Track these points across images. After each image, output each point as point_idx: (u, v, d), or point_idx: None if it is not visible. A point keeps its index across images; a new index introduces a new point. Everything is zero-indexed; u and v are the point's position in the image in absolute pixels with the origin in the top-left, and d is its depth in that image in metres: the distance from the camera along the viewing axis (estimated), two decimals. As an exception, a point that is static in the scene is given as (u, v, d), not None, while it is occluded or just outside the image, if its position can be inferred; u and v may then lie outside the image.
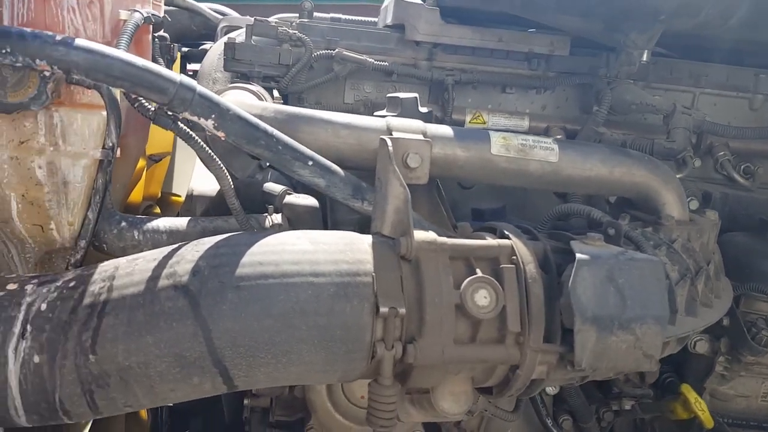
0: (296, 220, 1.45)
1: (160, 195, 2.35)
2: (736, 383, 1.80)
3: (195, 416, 2.66)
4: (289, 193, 1.59)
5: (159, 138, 2.12)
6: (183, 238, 1.31)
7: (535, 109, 2.02)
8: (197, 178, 2.88)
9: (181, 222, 1.45)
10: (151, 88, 1.10)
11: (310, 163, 1.25)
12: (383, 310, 1.07)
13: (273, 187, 1.61)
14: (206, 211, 1.73)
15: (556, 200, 1.92)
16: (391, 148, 1.19)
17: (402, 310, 1.08)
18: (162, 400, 1.10)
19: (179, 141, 2.43)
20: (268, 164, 1.78)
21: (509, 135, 1.43)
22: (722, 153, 1.97)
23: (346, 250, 1.13)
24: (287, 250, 1.10)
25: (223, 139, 1.17)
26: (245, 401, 1.74)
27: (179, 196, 2.59)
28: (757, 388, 1.80)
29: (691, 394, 1.55)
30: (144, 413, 2.20)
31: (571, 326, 1.13)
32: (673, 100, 1.94)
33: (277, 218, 1.54)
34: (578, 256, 1.14)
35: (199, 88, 1.13)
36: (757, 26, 1.68)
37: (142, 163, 1.88)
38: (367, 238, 1.17)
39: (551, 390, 1.73)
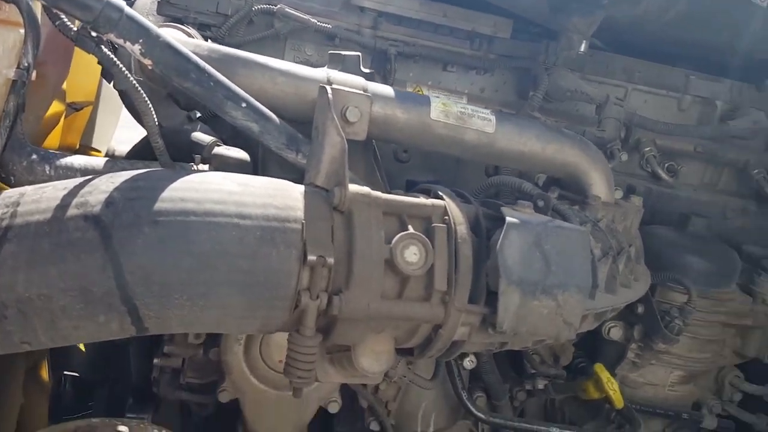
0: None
1: (78, 146, 2.21)
2: (645, 371, 1.85)
3: (100, 386, 2.54)
4: (219, 145, 1.52)
5: (81, 85, 2.00)
6: (99, 178, 1.23)
7: (474, 90, 2.03)
8: (119, 138, 2.75)
9: (97, 161, 1.37)
10: (75, 4, 1.02)
11: (244, 105, 1.20)
12: (311, 258, 1.03)
13: (201, 137, 1.54)
14: (127, 157, 1.64)
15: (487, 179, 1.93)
16: (331, 96, 1.15)
17: (330, 260, 1.04)
18: (63, 339, 1.02)
19: (103, 93, 2.31)
20: (197, 116, 1.71)
21: (449, 102, 1.42)
22: (649, 149, 2.02)
23: (276, 195, 1.08)
24: (212, 189, 1.05)
25: (150, 67, 1.10)
26: (155, 361, 1.66)
27: (99, 151, 2.46)
28: (665, 377, 1.86)
29: (604, 374, 1.59)
30: (45, 374, 2.07)
31: (496, 289, 1.12)
32: (607, 92, 1.99)
33: (204, 169, 1.48)
34: (508, 219, 1.14)
35: (128, 9, 1.06)
36: (692, 24, 1.74)
37: (60, 107, 1.76)
38: (299, 187, 1.13)
39: (468, 365, 1.73)
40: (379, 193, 1.14)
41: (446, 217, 1.16)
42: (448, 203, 1.19)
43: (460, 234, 1.14)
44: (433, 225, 1.15)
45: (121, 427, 1.19)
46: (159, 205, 1.00)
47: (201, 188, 1.04)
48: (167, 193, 1.02)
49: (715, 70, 2.11)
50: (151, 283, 0.99)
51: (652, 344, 1.75)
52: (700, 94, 2.08)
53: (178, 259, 0.99)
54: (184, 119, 1.71)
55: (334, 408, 1.63)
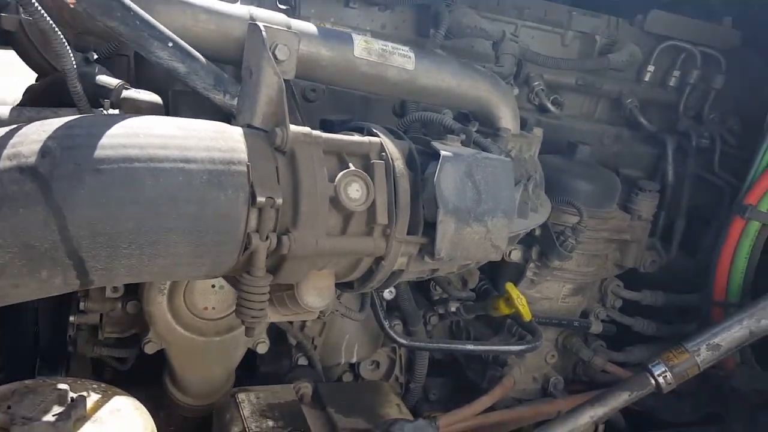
0: (137, 116, 1.33)
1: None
2: (541, 287, 2.03)
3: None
4: (127, 88, 1.45)
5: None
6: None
7: (375, 27, 2.04)
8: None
9: (1, 110, 1.26)
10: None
11: (170, 44, 1.15)
12: (260, 199, 1.04)
13: (108, 80, 1.46)
14: (23, 103, 1.51)
15: (395, 118, 1.98)
16: (264, 34, 1.13)
17: (279, 200, 1.06)
18: (2, 299, 0.96)
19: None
20: (95, 57, 1.60)
21: (370, 39, 1.43)
22: (537, 83, 2.16)
23: (218, 137, 1.06)
24: (153, 133, 1.01)
25: (72, 5, 1.02)
26: (71, 318, 1.60)
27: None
28: (559, 291, 2.05)
29: (514, 291, 1.73)
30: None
31: (433, 219, 1.19)
32: (502, 29, 2.09)
33: (116, 113, 1.41)
34: (443, 153, 1.20)
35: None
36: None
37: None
38: (237, 129, 1.12)
39: (388, 295, 1.82)
40: (319, 132, 1.16)
41: (383, 154, 1.21)
42: (384, 140, 1.23)
43: (398, 169, 1.19)
44: (371, 162, 1.18)
45: (62, 385, 1.15)
46: (100, 153, 0.96)
47: (142, 133, 1.00)
48: (107, 140, 0.97)
49: (591, 6, 2.27)
50: (97, 234, 0.95)
51: (548, 262, 1.93)
52: (582, 30, 2.22)
53: (124, 208, 0.96)
54: (81, 61, 1.59)
55: (263, 348, 1.66)
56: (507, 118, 1.60)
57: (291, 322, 1.74)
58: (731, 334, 1.68)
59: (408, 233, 1.20)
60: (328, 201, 1.12)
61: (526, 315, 1.71)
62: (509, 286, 1.75)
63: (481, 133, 1.61)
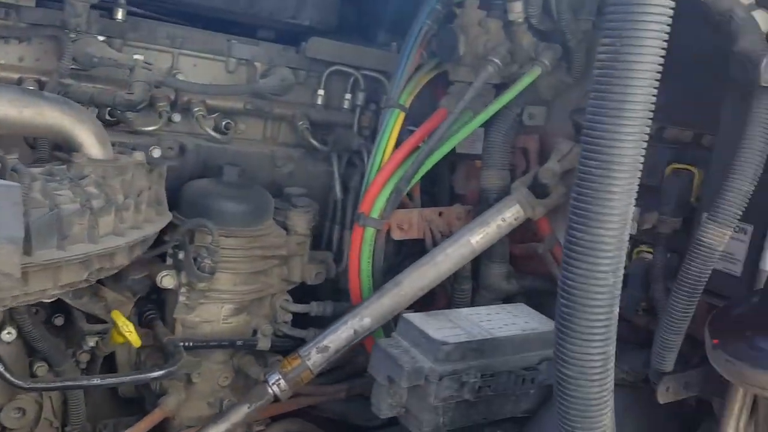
0: None
1: None
2: (201, 310, 2.03)
3: None
4: None
5: None
6: None
7: (12, 60, 1.98)
8: None
9: None
10: None
11: None
12: None
13: None
14: None
15: (29, 151, 1.92)
16: None
17: None
18: None
19: None
20: None
21: None
22: (197, 109, 2.18)
23: None
24: None
25: None
26: None
27: None
28: (218, 313, 2.05)
29: (120, 319, 1.70)
30: None
31: None
32: (154, 59, 2.11)
33: None
34: None
35: None
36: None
37: None
38: None
39: (7, 337, 1.74)
40: None
41: None
42: None
43: None
44: None
45: None
46: None
47: None
48: None
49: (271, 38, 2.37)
50: None
51: (194, 285, 1.93)
52: (243, 57, 2.30)
53: None
54: None
55: None
56: (89, 145, 1.60)
57: None
58: (338, 335, 1.76)
59: None
60: None
61: (135, 342, 1.70)
62: (114, 314, 1.73)
63: (60, 159, 1.60)
